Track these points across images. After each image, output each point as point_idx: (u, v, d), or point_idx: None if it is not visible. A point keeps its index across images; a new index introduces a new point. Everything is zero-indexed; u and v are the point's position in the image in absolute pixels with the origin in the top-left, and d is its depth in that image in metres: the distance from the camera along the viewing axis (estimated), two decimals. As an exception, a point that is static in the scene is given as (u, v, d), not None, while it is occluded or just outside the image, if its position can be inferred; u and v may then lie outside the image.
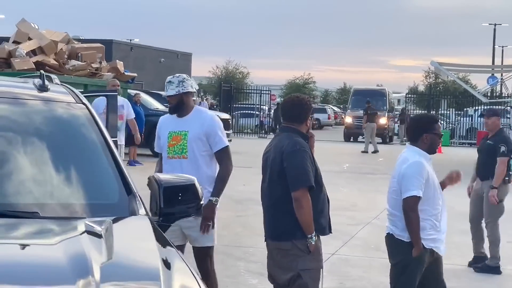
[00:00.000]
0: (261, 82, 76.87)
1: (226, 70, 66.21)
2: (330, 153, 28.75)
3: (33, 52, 17.83)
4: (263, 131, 43.85)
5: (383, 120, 38.60)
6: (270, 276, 5.58)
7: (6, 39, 19.56)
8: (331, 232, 5.60)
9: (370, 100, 32.95)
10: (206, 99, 40.17)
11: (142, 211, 3.24)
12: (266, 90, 44.35)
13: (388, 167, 23.60)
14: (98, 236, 2.83)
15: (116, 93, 10.10)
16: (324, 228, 5.42)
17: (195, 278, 2.70)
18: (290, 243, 5.21)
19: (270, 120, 46.79)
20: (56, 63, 18.00)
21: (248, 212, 13.04)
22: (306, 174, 5.15)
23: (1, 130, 3.39)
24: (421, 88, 69.07)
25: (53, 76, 3.97)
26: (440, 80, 59.80)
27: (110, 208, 3.23)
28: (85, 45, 20.19)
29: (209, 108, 35.15)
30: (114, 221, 3.08)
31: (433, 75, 62.80)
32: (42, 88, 3.62)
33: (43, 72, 3.71)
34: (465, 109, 42.14)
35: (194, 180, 3.49)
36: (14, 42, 18.31)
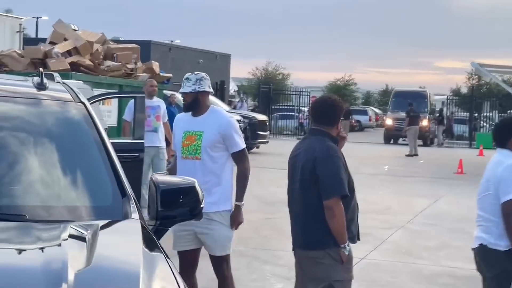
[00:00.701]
0: (302, 84, 76.70)
1: (266, 71, 66.15)
2: (368, 155, 28.50)
3: (69, 53, 17.88)
4: (303, 132, 43.67)
5: (424, 122, 38.18)
6: (299, 284, 5.34)
7: (44, 40, 19.69)
8: (359, 240, 5.36)
9: (411, 103, 32.42)
10: (245, 101, 40.09)
11: (135, 214, 3.11)
12: (305, 92, 44.15)
13: (427, 170, 23.38)
14: (82, 241, 2.72)
15: (144, 95, 10.01)
16: (354, 236, 5.22)
17: (177, 284, 2.57)
18: (322, 252, 4.99)
19: (310, 121, 46.63)
20: (91, 63, 18.04)
21: (278, 214, 12.86)
22: (340, 182, 4.93)
23: None
24: (464, 90, 68.33)
25: (55, 74, 3.89)
26: (483, 82, 59.01)
27: (102, 211, 3.11)
28: (120, 45, 20.24)
29: (252, 110, 35.10)
30: (103, 225, 2.97)
31: (476, 76, 62.01)
32: (40, 87, 3.54)
33: (42, 71, 3.63)
34: (509, 111, 41.47)
35: (195, 182, 3.35)
36: (50, 43, 18.40)
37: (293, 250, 5.31)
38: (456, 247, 10.62)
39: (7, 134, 3.29)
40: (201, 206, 3.36)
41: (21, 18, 33.95)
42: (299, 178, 5.04)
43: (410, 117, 30.64)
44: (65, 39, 18.24)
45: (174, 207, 3.26)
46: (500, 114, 42.22)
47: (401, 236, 11.36)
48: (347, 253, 4.98)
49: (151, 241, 2.92)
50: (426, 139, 38.67)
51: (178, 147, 5.95)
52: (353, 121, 45.16)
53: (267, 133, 28.74)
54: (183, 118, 6.10)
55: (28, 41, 30.19)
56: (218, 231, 5.87)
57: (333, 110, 5.09)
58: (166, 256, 2.81)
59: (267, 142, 27.98)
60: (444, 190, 17.05)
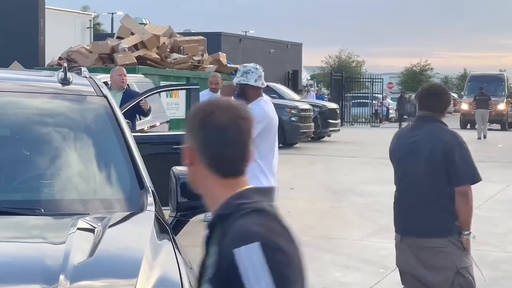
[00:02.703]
0: (378, 71, 75.91)
1: (339, 59, 65.66)
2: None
3: (136, 47, 18.13)
4: (378, 120, 43.24)
5: (501, 106, 37.35)
6: (409, 276, 5.13)
7: (112, 36, 20.01)
8: None
9: (483, 86, 32.30)
10: (311, 89, 39.92)
11: (151, 207, 3.12)
12: (378, 79, 43.66)
13: (503, 155, 22.84)
14: (90, 233, 2.74)
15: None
16: None
17: (180, 274, 2.56)
18: (445, 240, 4.87)
19: (386, 109, 46.08)
20: (158, 57, 18.25)
21: (344, 203, 12.78)
22: (474, 169, 4.92)
23: (17, 122, 3.36)
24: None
25: (83, 69, 3.94)
26: None
27: (119, 204, 3.14)
28: (187, 38, 20.40)
29: (317, 97, 34.95)
30: (116, 217, 2.98)
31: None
32: (64, 81, 3.59)
33: (66, 65, 3.68)
34: None
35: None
36: (117, 37, 18.71)
37: (400, 240, 5.12)
38: (524, 233, 10.38)
39: (29, 128, 3.35)
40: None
41: (91, 14, 34.62)
42: (426, 165, 4.93)
43: (477, 100, 30.66)
44: (132, 34, 18.50)
45: (195, 198, 3.24)
46: None
47: (468, 223, 11.12)
48: (473, 240, 4.96)
49: (162, 232, 2.92)
50: (504, 123, 37.79)
51: None
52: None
53: (338, 121, 28.53)
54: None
55: (101, 37, 30.75)
56: None
57: (445, 98, 5.11)
58: (176, 247, 2.81)
59: (339, 130, 27.80)
60: (518, 175, 16.64)
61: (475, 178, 4.93)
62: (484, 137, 30.34)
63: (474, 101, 31.07)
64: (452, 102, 62.29)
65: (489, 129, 34.11)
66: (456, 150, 4.84)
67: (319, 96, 36.00)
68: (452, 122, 42.32)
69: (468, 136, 34.16)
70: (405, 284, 5.21)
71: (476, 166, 4.96)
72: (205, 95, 10.87)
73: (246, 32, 57.50)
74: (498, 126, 37.48)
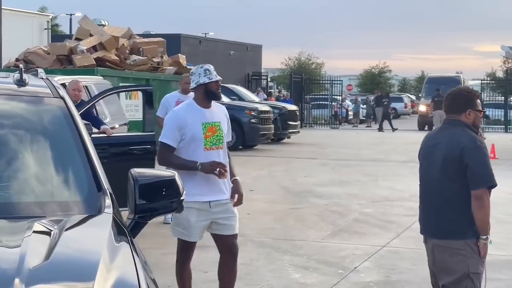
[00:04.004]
0: (338, 73, 76.26)
1: (299, 61, 65.92)
2: (401, 143, 28.28)
3: (94, 49, 18.02)
4: (337, 121, 43.48)
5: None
6: (434, 278, 5.24)
7: (70, 37, 19.83)
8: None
9: (440, 88, 32.99)
10: (263, 91, 39.91)
11: (109, 209, 3.10)
12: (337, 80, 43.92)
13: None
14: (47, 236, 2.72)
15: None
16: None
17: (138, 276, 2.56)
18: (462, 242, 4.92)
19: (345, 110, 46.33)
20: (117, 58, 18.16)
21: (303, 204, 12.84)
22: (489, 173, 4.93)
23: None
24: (500, 74, 67.39)
25: (40, 70, 3.90)
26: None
27: (76, 206, 3.11)
28: (146, 40, 20.32)
29: (285, 101, 34.95)
30: (73, 219, 2.97)
31: (512, 60, 61.14)
32: (20, 83, 3.56)
33: (22, 67, 3.65)
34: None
35: (175, 175, 3.34)
36: (76, 39, 18.56)
37: (424, 241, 5.25)
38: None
39: None
40: (182, 198, 3.34)
41: (49, 15, 34.29)
42: (441, 168, 5.00)
43: (435, 102, 31.29)
44: (91, 35, 18.37)
45: (154, 200, 3.24)
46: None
47: (425, 223, 11.24)
48: (490, 245, 4.97)
49: (119, 234, 2.91)
50: (461, 125, 38.26)
51: (198, 139, 5.98)
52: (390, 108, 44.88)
53: (298, 123, 28.66)
54: (189, 111, 6.06)
55: (59, 38, 30.46)
56: (235, 212, 6.27)
57: (462, 99, 5.11)
58: (134, 249, 2.80)
59: (298, 132, 27.93)
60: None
61: (491, 182, 4.94)
62: None
63: (432, 102, 31.58)
64: (410, 104, 62.99)
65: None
66: (472, 153, 4.89)
67: (289, 100, 35.97)
68: (410, 124, 42.82)
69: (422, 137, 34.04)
70: (433, 284, 5.29)
71: (491, 169, 4.97)
72: (174, 97, 10.77)
73: (206, 34, 57.40)
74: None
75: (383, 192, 14.56)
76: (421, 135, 23.51)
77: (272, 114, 24.41)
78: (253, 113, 23.34)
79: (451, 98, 5.17)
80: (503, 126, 38.43)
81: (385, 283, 7.80)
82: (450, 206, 4.96)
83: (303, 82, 42.43)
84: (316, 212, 12.03)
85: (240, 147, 23.22)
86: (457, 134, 5.00)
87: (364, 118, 45.59)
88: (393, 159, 21.45)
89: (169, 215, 10.66)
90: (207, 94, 6.04)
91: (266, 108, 24.64)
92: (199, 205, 5.99)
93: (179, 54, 21.42)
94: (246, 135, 23.09)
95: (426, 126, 37.90)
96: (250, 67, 44.53)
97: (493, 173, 4.98)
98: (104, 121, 10.61)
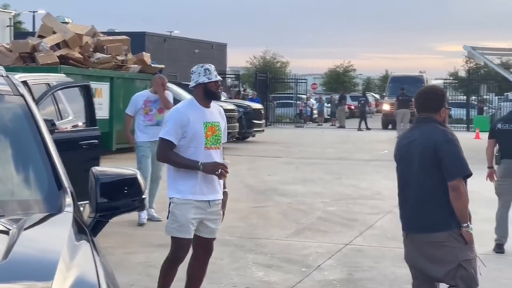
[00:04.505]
0: (304, 72, 76.46)
1: (264, 60, 65.99)
2: (365, 141, 28.47)
3: (58, 46, 17.86)
4: (302, 120, 43.60)
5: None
6: (416, 270, 5.36)
7: (33, 34, 19.63)
8: None
9: (404, 87, 33.32)
10: (222, 89, 39.90)
11: (69, 208, 3.09)
12: (302, 79, 44.05)
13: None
14: (5, 235, 2.69)
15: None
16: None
17: (97, 275, 2.55)
18: (446, 234, 5.08)
19: (310, 109, 46.49)
20: (81, 56, 18.01)
21: (268, 203, 12.87)
22: (463, 163, 5.10)
23: None
24: (462, 73, 68.11)
25: (0, 67, 3.86)
26: (481, 64, 58.79)
27: (36, 205, 3.09)
28: (110, 37, 20.19)
29: (253, 100, 34.92)
30: (33, 218, 2.94)
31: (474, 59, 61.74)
32: (-23, 80, 3.51)
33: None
34: (505, 93, 41.34)
35: (137, 173, 3.33)
36: (39, 36, 18.38)
37: (405, 237, 5.36)
38: (441, 231, 10.63)
39: None
40: (143, 197, 3.33)
41: (12, 12, 33.90)
42: (418, 164, 5.15)
43: (399, 101, 31.59)
44: (54, 32, 18.20)
45: (115, 199, 3.23)
46: (498, 97, 42.12)
47: (388, 221, 11.32)
48: (471, 231, 5.11)
49: (80, 233, 2.89)
50: (424, 124, 38.58)
51: (199, 138, 5.96)
52: (347, 107, 45.18)
53: (263, 121, 28.70)
54: (191, 109, 6.02)
55: (21, 36, 30.13)
56: (221, 215, 6.27)
57: (440, 98, 5.31)
58: (94, 248, 2.79)
59: (263, 130, 27.97)
60: (436, 174, 16.98)
61: (467, 171, 5.11)
62: None
63: (397, 101, 31.80)
64: (374, 103, 63.37)
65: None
66: (444, 146, 5.07)
67: (256, 99, 35.94)
68: (374, 122, 43.10)
69: (389, 136, 34.79)
70: (414, 278, 5.43)
71: (465, 159, 5.13)
72: (143, 96, 10.72)
73: (171, 32, 57.18)
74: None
75: (347, 190, 14.65)
76: (385, 134, 23.75)
77: (236, 113, 24.42)
78: (217, 112, 23.29)
79: (426, 97, 5.32)
80: (465, 125, 38.85)
81: (347, 281, 7.85)
82: (430, 200, 5.11)
83: (268, 81, 42.48)
84: (280, 210, 12.07)
85: (205, 145, 23.16)
86: (429, 130, 5.16)
87: (328, 117, 45.79)
88: (357, 158, 21.59)
89: (144, 216, 10.64)
90: (206, 94, 6.03)
91: (231, 106, 24.64)
92: (199, 203, 6.00)
93: (144, 52, 21.32)
94: (211, 133, 23.03)
95: (390, 125, 38.19)
96: (215, 66, 44.39)
97: (467, 163, 5.13)
98: (67, 119, 10.54)
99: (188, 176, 5.92)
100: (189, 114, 5.96)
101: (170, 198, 6.05)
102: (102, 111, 19.12)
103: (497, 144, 9.61)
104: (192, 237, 6.11)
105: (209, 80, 6.00)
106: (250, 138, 27.28)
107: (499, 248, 9.32)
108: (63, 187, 3.18)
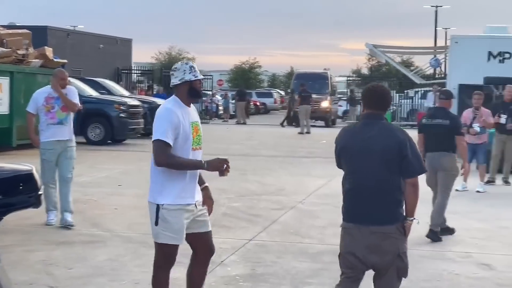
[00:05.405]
0: (210, 68, 76.48)
1: (169, 55, 65.67)
2: (270, 138, 28.69)
3: (-46, 39, 17.31)
4: (208, 116, 43.57)
5: (325, 104, 38.73)
6: (352, 256, 5.49)
7: None
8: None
9: (307, 84, 34.22)
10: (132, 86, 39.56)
11: None
12: (208, 76, 44.05)
13: (326, 151, 23.63)
14: None
15: None
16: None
17: None
18: (394, 226, 5.36)
19: (215, 105, 46.50)
20: (-21, 50, 17.52)
21: (172, 199, 12.80)
22: (422, 162, 5.47)
23: None
24: (364, 71, 69.50)
25: None
26: (383, 62, 60.12)
27: None
28: (10, 31, 19.70)
29: (159, 95, 34.64)
30: None
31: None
32: None
33: None
34: (406, 91, 42.41)
35: (32, 169, 3.28)
36: None
37: (354, 227, 5.46)
38: (343, 226, 10.82)
39: None
40: (40, 193, 3.28)
41: None
42: (379, 160, 5.36)
43: (302, 97, 32.21)
44: (-50, 25, 17.63)
45: (10, 195, 3.17)
46: (399, 94, 43.13)
47: (291, 217, 11.46)
48: (417, 224, 5.52)
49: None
50: (328, 120, 39.17)
51: (189, 138, 5.76)
52: (252, 103, 45.52)
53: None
54: (178, 108, 5.75)
55: None
56: (205, 207, 6.11)
57: (389, 97, 5.63)
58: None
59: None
60: (339, 170, 17.19)
61: (423, 170, 5.47)
62: (308, 132, 31.68)
63: (299, 98, 32.55)
64: (279, 99, 63.95)
65: (313, 126, 35.28)
66: (408, 145, 5.34)
67: (163, 95, 35.63)
68: (279, 119, 43.41)
69: (293, 132, 35.11)
70: (344, 264, 5.56)
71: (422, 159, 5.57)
72: (44, 92, 10.34)
73: (74, 27, 56.17)
74: (322, 123, 38.84)
75: (251, 186, 14.74)
76: (290, 130, 23.92)
77: (141, 109, 24.24)
78: (122, 108, 23.09)
79: (380, 95, 5.54)
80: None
81: (250, 276, 7.90)
82: (386, 194, 5.37)
83: (173, 77, 42.09)
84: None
85: (109, 141, 22.91)
86: (389, 128, 5.46)
87: (234, 113, 45.94)
88: (262, 154, 21.74)
89: (52, 217, 10.32)
90: (190, 92, 5.80)
91: (136, 102, 24.44)
92: (190, 206, 5.84)
93: (46, 47, 20.87)
94: (115, 129, 22.83)
95: (294, 122, 38.63)
96: (120, 61, 43.96)
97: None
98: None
99: (178, 179, 5.72)
100: (179, 113, 5.71)
101: (159, 204, 5.74)
102: (2, 106, 18.68)
103: None
104: (183, 242, 5.95)
105: (195, 78, 5.82)
106: (155, 134, 27.07)
107: (433, 234, 9.80)
108: None
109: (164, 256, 5.97)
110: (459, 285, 7.83)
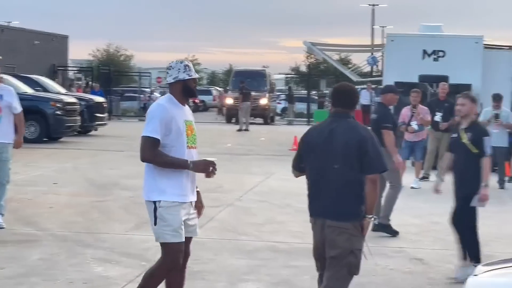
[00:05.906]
0: (148, 65, 75.96)
1: (107, 52, 64.94)
2: (209, 135, 28.64)
3: None
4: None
5: (264, 101, 38.82)
6: (317, 251, 5.65)
7: None
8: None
9: (244, 80, 34.48)
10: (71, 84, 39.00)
11: None
12: (146, 73, 43.78)
13: (265, 148, 23.74)
14: None
15: None
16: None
17: None
18: (350, 223, 5.42)
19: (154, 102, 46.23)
20: None
21: (108, 197, 12.70)
22: (383, 160, 5.57)
23: None
24: (303, 68, 69.90)
25: None
26: (321, 60, 60.55)
27: None
28: None
29: (95, 92, 34.22)
30: None
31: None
32: None
33: None
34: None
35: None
36: None
37: (314, 219, 5.60)
38: (280, 222, 10.90)
39: None
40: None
41: None
42: (342, 156, 5.43)
43: (243, 94, 32.42)
44: None
45: None
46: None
47: (229, 214, 11.48)
48: (376, 223, 5.81)
49: None
50: (266, 118, 39.28)
51: (182, 137, 5.74)
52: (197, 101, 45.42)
53: (106, 115, 28.31)
54: (172, 107, 5.74)
55: None
56: (195, 211, 6.11)
57: (356, 96, 5.74)
58: None
59: (106, 124, 27.57)
60: (277, 167, 17.30)
61: (385, 167, 5.58)
62: (247, 129, 31.80)
63: (241, 95, 32.72)
64: (218, 97, 63.90)
65: (252, 123, 35.33)
66: (370, 142, 5.44)
67: (98, 91, 35.23)
68: (219, 116, 43.39)
69: (233, 131, 35.17)
70: (314, 257, 5.70)
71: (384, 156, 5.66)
72: None
73: (9, 22, 55.11)
74: (261, 120, 38.94)
75: (189, 183, 14.68)
76: (229, 128, 23.94)
77: (78, 106, 23.98)
78: (58, 105, 22.80)
79: (347, 94, 5.65)
80: (306, 119, 39.87)
81: (187, 274, 7.86)
82: (347, 190, 5.46)
83: (111, 74, 41.85)
84: (121, 204, 11.93)
85: (45, 139, 22.57)
86: (353, 125, 5.56)
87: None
88: (200, 152, 21.58)
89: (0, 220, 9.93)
90: (185, 91, 5.80)
91: (72, 99, 24.16)
92: (186, 205, 5.81)
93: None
94: (51, 127, 22.52)
95: (234, 118, 38.62)
96: (56, 58, 43.34)
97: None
98: None
99: (173, 175, 5.68)
100: (172, 111, 5.72)
101: (155, 202, 5.74)
102: None
103: None
104: (183, 240, 5.88)
105: (190, 77, 5.80)
106: (93, 132, 26.83)
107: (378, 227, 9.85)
108: None
109: (172, 255, 5.87)
110: (393, 279, 7.96)
